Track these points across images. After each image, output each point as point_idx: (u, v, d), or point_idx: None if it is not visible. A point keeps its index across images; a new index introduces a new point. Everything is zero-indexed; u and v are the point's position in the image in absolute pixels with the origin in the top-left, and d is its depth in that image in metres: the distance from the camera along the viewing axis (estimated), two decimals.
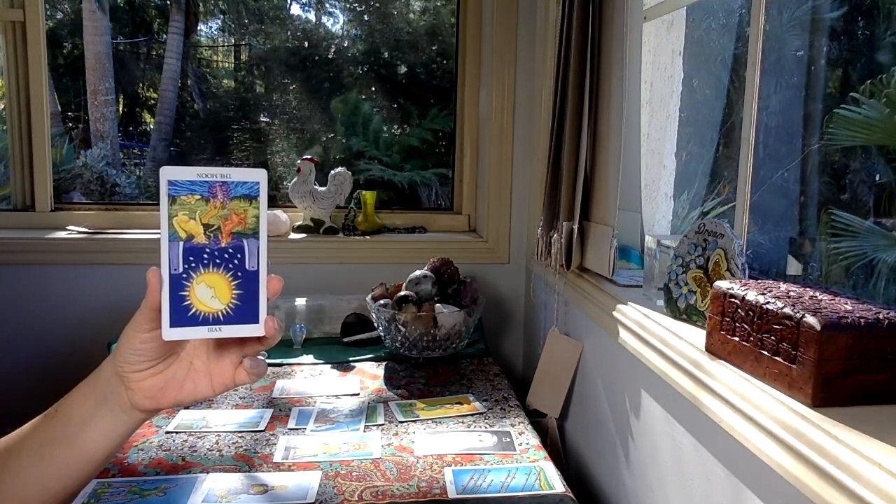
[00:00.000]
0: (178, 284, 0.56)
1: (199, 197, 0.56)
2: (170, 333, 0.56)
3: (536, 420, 1.71)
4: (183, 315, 0.56)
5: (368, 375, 1.77)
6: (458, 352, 1.85)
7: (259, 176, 0.57)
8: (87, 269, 2.05)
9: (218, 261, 0.57)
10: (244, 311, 0.57)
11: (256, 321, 0.57)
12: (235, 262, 0.57)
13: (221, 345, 0.61)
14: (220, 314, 0.57)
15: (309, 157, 2.22)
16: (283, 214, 2.21)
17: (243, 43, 6.12)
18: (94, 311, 2.05)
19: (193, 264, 0.56)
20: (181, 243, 0.56)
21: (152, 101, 6.08)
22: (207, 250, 0.56)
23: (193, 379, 0.61)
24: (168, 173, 0.55)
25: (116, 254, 2.05)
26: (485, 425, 1.48)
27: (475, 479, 1.24)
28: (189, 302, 0.56)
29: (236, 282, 0.57)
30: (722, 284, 0.97)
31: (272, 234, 2.16)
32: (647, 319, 1.24)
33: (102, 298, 2.05)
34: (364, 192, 2.27)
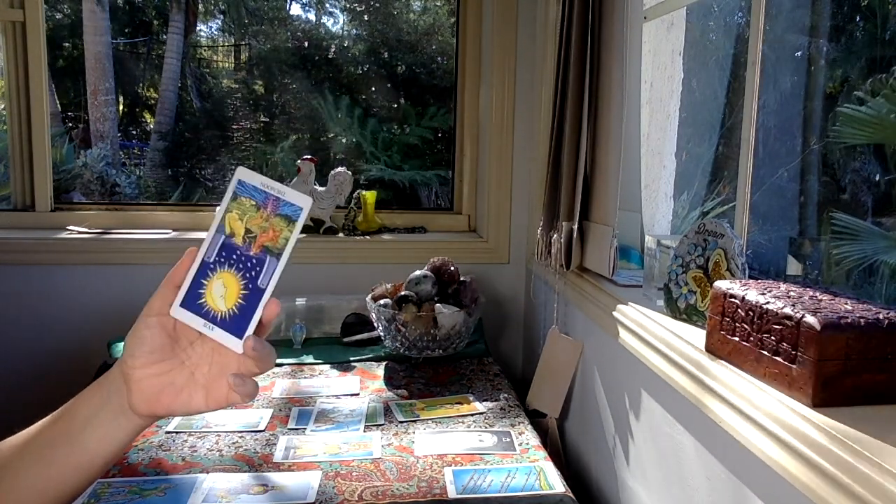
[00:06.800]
0: (203, 272, 0.59)
1: (255, 203, 0.59)
2: (176, 311, 0.59)
3: (536, 420, 1.71)
4: (193, 301, 0.59)
5: (368, 375, 1.77)
6: (458, 352, 1.85)
7: (305, 202, 0.59)
8: (86, 269, 2.05)
9: (240, 266, 0.59)
10: (236, 322, 0.59)
11: (240, 337, 0.59)
12: (253, 273, 0.59)
13: (224, 363, 0.61)
14: (219, 315, 0.59)
15: (309, 156, 2.21)
16: None
17: (243, 43, 6.12)
18: (95, 311, 2.05)
19: (222, 260, 0.59)
20: (223, 237, 0.59)
21: (152, 101, 6.08)
22: (237, 252, 0.59)
23: (190, 389, 0.61)
24: (241, 174, 0.59)
25: (117, 254, 2.05)
26: (485, 425, 1.48)
27: (475, 479, 1.24)
28: (203, 291, 0.59)
29: (245, 292, 0.59)
30: (722, 284, 0.97)
31: None
32: (647, 319, 1.24)
33: (103, 298, 2.05)
34: (364, 191, 2.27)
